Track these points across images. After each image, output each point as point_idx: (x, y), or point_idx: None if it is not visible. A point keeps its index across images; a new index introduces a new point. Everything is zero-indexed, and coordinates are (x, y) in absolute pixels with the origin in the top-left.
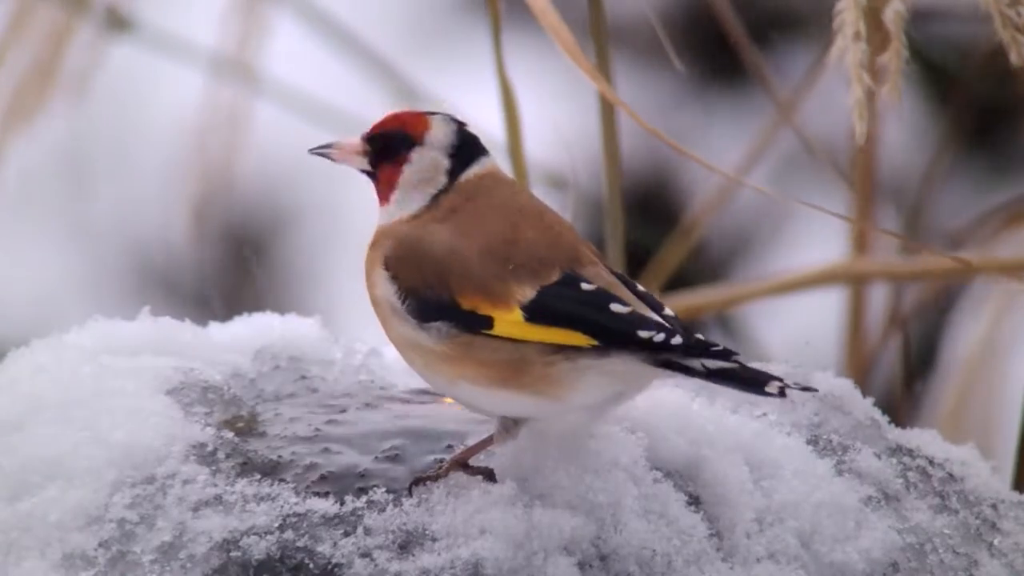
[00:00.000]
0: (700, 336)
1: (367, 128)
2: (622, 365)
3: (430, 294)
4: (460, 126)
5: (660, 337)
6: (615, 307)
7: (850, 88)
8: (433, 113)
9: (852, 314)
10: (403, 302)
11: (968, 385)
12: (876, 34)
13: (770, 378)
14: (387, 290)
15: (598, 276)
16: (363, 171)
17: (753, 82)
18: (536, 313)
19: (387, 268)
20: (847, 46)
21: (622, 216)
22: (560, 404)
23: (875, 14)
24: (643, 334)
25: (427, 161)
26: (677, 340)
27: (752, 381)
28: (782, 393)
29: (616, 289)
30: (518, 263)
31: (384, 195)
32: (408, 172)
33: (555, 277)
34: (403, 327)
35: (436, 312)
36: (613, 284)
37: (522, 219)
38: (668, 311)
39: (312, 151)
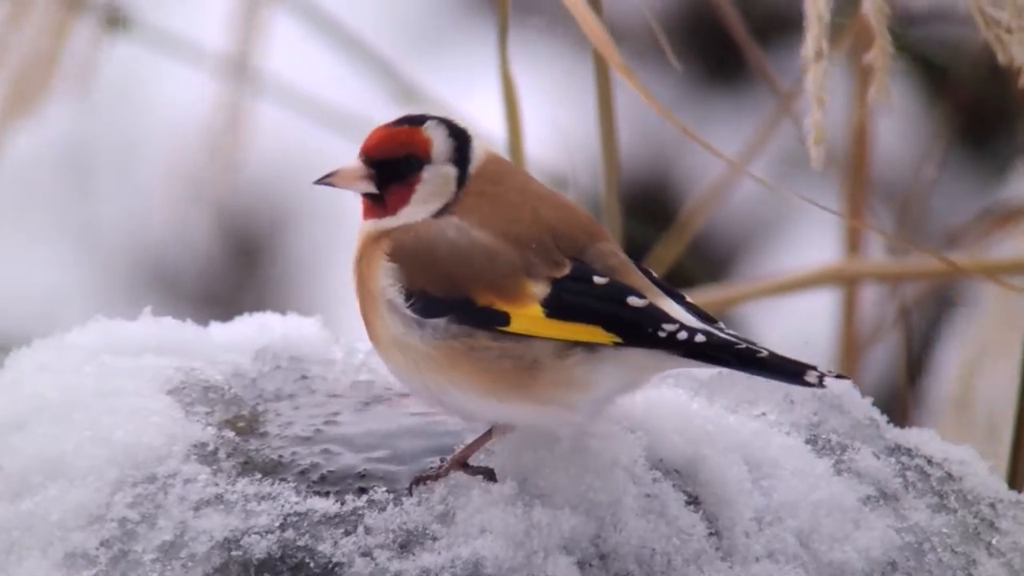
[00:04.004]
0: (723, 328)
1: (361, 149)
2: (646, 358)
3: (440, 292)
4: (450, 125)
5: (684, 335)
6: (632, 300)
7: (810, 110)
8: (423, 121)
9: (845, 314)
10: (407, 299)
11: (966, 383)
12: (863, 31)
13: (806, 367)
14: (388, 285)
15: (613, 257)
16: (367, 194)
17: (753, 82)
18: (556, 308)
19: (393, 262)
20: (808, 65)
21: (620, 214)
22: (570, 411)
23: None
24: (667, 328)
25: (439, 177)
26: (701, 338)
27: (788, 371)
28: (821, 383)
29: (630, 276)
30: (531, 253)
31: (391, 209)
32: (421, 191)
33: (567, 270)
34: (396, 325)
35: (446, 309)
36: (626, 270)
37: (532, 205)
38: (688, 298)
39: (316, 182)
